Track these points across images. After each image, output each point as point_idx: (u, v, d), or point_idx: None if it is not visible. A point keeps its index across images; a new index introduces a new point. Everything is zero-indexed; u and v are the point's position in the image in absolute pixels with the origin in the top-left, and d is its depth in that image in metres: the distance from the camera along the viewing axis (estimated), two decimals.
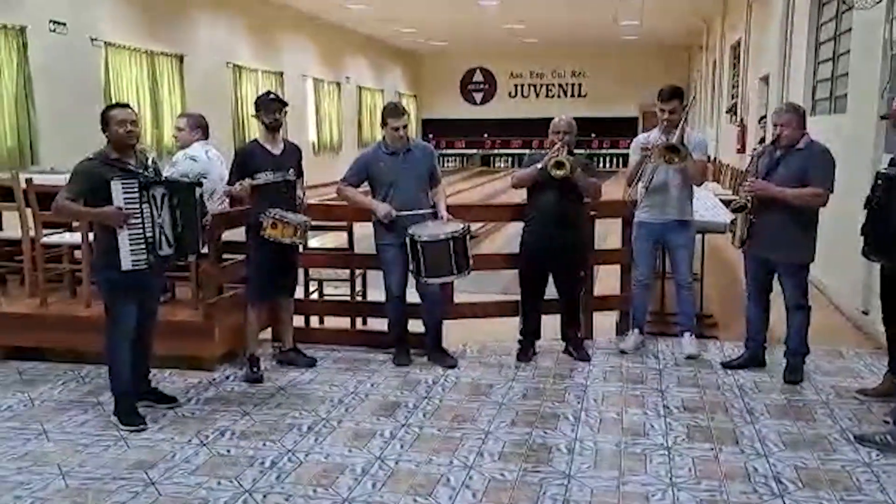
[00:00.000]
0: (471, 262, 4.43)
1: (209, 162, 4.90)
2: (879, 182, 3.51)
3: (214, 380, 4.49)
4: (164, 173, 4.13)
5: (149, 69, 11.53)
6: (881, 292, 3.92)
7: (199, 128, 5.05)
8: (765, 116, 9.73)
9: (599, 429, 3.76)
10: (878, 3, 4.81)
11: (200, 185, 3.88)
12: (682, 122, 4.55)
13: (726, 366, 4.61)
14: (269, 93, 4.62)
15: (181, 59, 12.30)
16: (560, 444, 3.58)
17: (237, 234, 4.84)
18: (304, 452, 3.51)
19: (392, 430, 3.76)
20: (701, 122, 18.24)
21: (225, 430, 3.77)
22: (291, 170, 4.50)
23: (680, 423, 3.80)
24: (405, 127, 4.57)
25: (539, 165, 4.57)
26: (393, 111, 4.60)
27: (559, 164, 4.44)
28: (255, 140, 4.56)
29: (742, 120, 10.91)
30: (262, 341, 4.86)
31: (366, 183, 4.72)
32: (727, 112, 13.21)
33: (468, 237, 4.44)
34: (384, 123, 4.60)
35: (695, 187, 4.81)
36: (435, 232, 4.40)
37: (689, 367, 4.65)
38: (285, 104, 4.55)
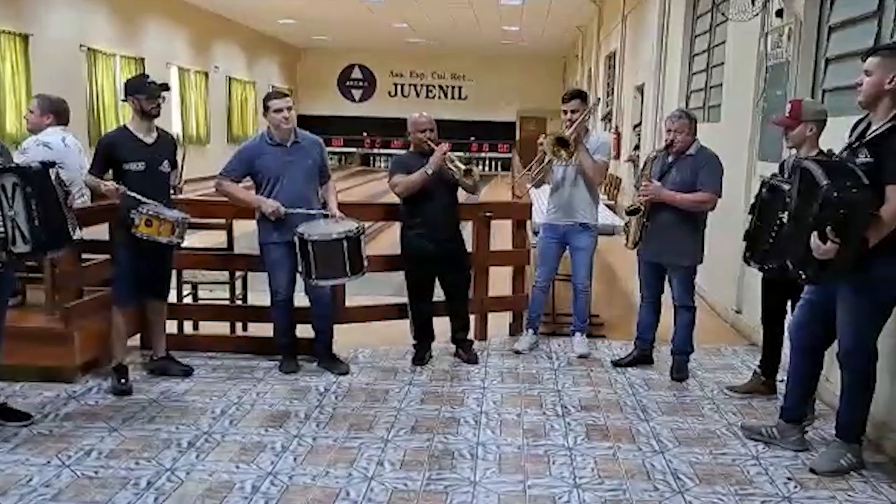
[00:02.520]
0: (365, 263, 4.23)
1: (66, 150, 4.43)
2: (764, 191, 3.63)
3: (75, 392, 4.04)
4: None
5: None
6: (762, 295, 4.08)
7: (53, 112, 4.55)
8: (640, 124, 10.16)
9: (501, 431, 3.67)
10: (755, 15, 5.05)
11: (53, 164, 3.39)
12: (578, 122, 4.55)
13: (617, 364, 4.68)
14: (145, 75, 4.20)
15: (26, 38, 11.20)
16: (462, 449, 3.46)
17: (98, 231, 4.37)
18: (185, 470, 3.19)
19: (283, 442, 3.50)
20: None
21: (90, 448, 3.37)
22: (166, 161, 4.12)
23: (578, 423, 3.78)
24: (289, 109, 4.30)
25: (430, 170, 4.39)
26: (274, 93, 4.36)
27: (469, 170, 4.38)
28: (125, 127, 4.12)
29: (617, 128, 11.34)
30: (130, 349, 4.44)
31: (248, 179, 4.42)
32: (602, 120, 13.70)
33: (362, 237, 4.23)
34: (266, 109, 4.31)
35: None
36: (326, 231, 4.16)
37: (581, 366, 4.68)
38: (167, 88, 4.16)
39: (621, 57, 11.79)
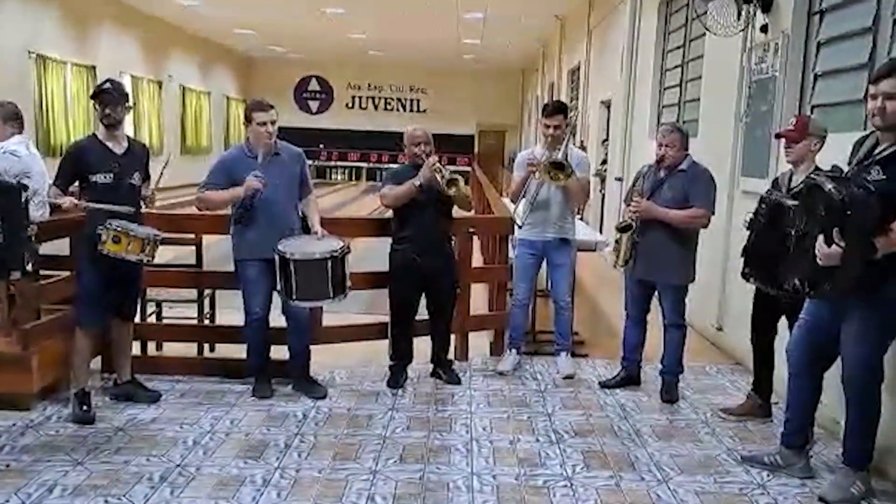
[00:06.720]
0: (348, 283, 4.02)
1: (32, 158, 4.13)
2: (764, 207, 3.55)
3: (32, 421, 3.73)
4: None
5: None
6: (753, 313, 3.99)
7: (16, 119, 4.26)
8: (607, 139, 10.16)
9: (495, 460, 3.49)
10: (741, 31, 5.02)
11: (26, 188, 3.17)
12: (566, 139, 4.47)
13: (604, 385, 4.55)
14: (107, 81, 3.93)
15: None
16: (457, 480, 3.27)
17: (57, 246, 4.15)
18: None
19: (264, 474, 3.26)
20: (536, 143, 18.88)
21: (53, 484, 3.08)
22: (136, 173, 3.86)
23: (574, 450, 3.63)
24: (273, 122, 4.08)
25: (417, 182, 4.24)
26: (258, 105, 4.10)
27: (454, 182, 4.20)
28: (93, 135, 3.86)
29: (582, 142, 11.32)
30: (92, 373, 4.13)
31: None
32: None
33: (347, 256, 4.02)
34: (248, 120, 4.09)
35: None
36: (309, 249, 3.94)
37: (569, 388, 4.54)
38: (124, 97, 3.87)
39: (586, 72, 11.82)
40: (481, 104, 24.74)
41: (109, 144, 3.79)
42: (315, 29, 17.81)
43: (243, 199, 4.00)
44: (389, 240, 4.50)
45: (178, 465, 3.32)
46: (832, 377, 3.27)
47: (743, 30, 5.02)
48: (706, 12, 5.35)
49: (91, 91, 3.94)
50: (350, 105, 26.08)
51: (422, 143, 4.34)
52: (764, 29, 4.84)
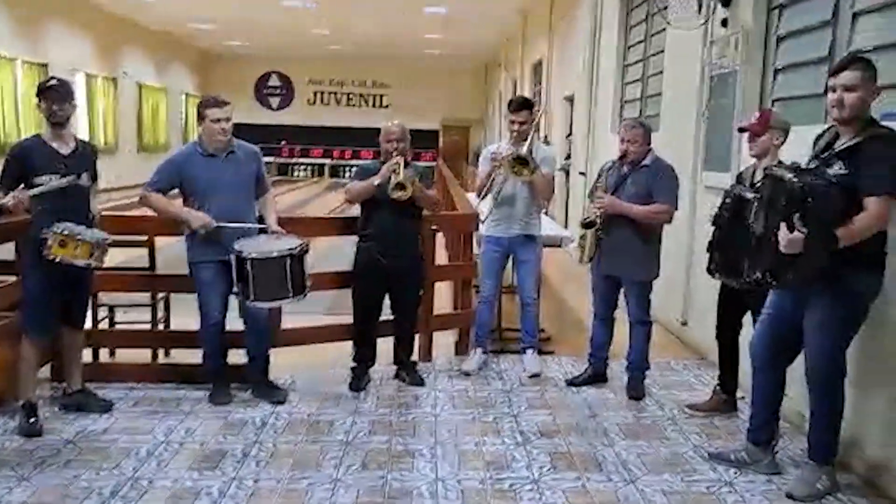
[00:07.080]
0: (308, 283, 3.91)
1: None
2: (728, 201, 3.53)
3: None
4: None
5: None
6: (718, 307, 3.98)
7: None
8: (570, 133, 10.15)
9: (460, 464, 3.41)
10: (702, 24, 5.01)
11: None
12: (531, 135, 4.40)
13: (571, 383, 4.51)
14: (51, 78, 3.76)
15: None
16: (420, 486, 3.19)
17: (3, 251, 3.98)
18: None
19: (220, 486, 3.14)
20: (501, 138, 18.85)
21: None
22: (84, 174, 3.69)
23: (541, 451, 3.57)
24: (228, 119, 3.94)
25: (376, 181, 4.15)
26: (213, 101, 3.97)
27: (400, 187, 4.06)
28: (38, 135, 3.68)
29: (546, 137, 11.30)
30: (40, 382, 3.96)
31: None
32: None
33: (306, 255, 3.91)
34: (201, 118, 3.95)
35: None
36: (267, 248, 3.82)
37: (535, 387, 4.49)
38: (70, 94, 3.70)
39: (549, 66, 11.80)
40: (445, 99, 24.64)
41: (55, 145, 3.62)
42: (274, 23, 17.54)
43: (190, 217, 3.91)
44: (354, 239, 4.41)
45: (131, 478, 3.18)
46: (797, 370, 3.26)
47: (703, 24, 5.01)
48: (667, 6, 5.34)
49: None
50: (312, 101, 25.79)
51: (395, 139, 4.25)
52: (724, 23, 4.83)
